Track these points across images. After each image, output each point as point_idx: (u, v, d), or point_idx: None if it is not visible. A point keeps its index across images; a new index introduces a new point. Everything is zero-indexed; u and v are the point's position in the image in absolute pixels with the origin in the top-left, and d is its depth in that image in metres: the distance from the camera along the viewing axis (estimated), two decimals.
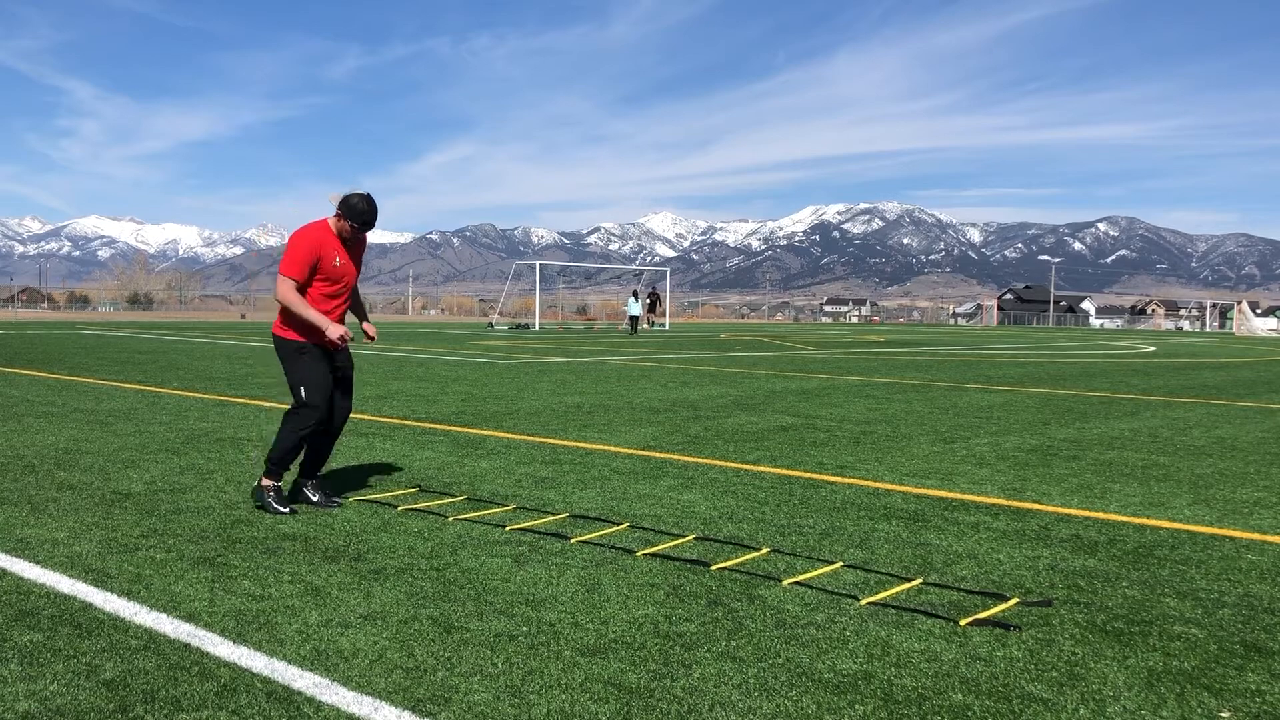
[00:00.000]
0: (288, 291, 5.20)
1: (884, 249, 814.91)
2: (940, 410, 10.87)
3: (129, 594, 3.80)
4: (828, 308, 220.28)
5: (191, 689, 2.93)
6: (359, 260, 5.51)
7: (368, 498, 5.62)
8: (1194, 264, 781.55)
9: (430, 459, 7.01)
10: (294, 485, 5.50)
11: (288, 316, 5.31)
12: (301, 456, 5.42)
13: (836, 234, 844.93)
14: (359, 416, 9.36)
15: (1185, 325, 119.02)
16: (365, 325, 5.75)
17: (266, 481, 5.25)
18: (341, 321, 5.47)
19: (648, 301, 51.29)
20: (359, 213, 5.22)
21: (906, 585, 4.08)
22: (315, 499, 5.39)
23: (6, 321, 47.23)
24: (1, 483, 5.92)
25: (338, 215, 5.25)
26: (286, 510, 5.17)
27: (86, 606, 3.65)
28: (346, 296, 5.45)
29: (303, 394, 5.26)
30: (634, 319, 42.80)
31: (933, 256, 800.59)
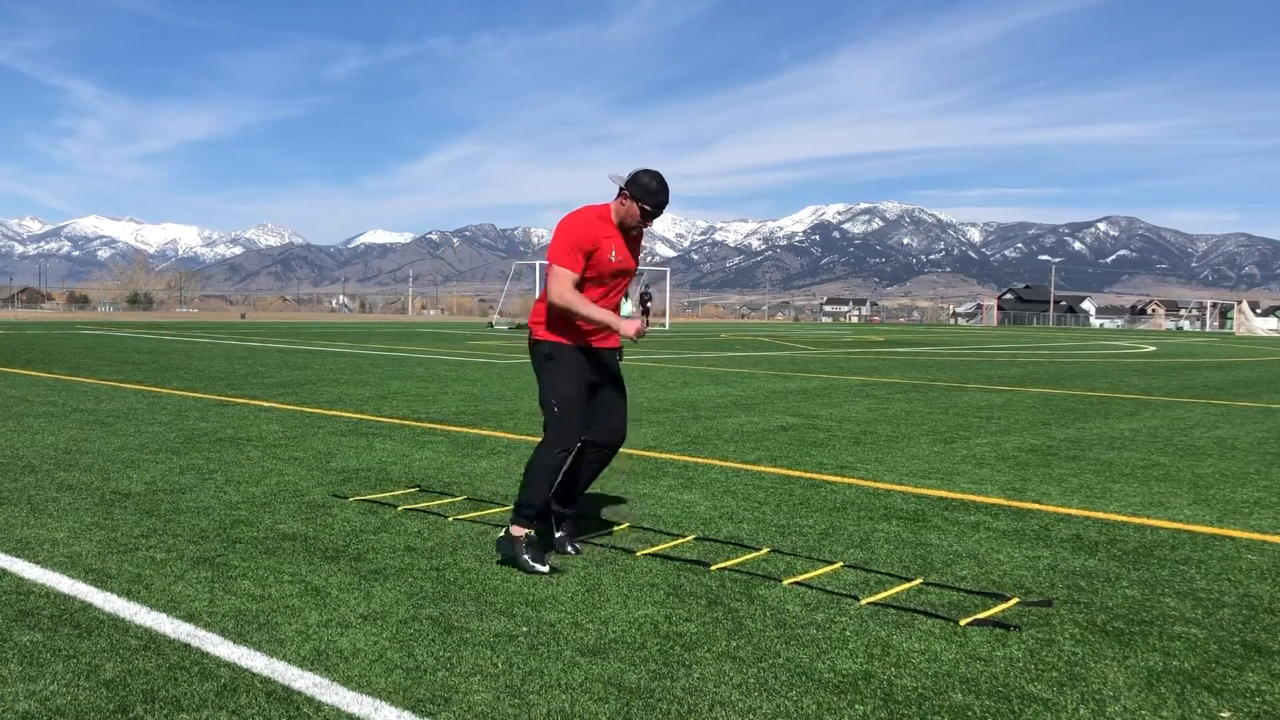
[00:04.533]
0: (564, 288, 4.22)
1: (884, 249, 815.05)
2: (940, 410, 10.87)
3: (129, 594, 3.80)
4: (828, 308, 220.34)
5: (191, 689, 2.93)
6: (637, 255, 4.58)
7: (368, 498, 5.62)
8: (1194, 264, 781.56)
9: (430, 459, 7.01)
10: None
11: (551, 314, 4.39)
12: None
13: (836, 234, 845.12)
14: (359, 416, 9.36)
15: (1185, 325, 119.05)
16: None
17: (518, 530, 4.27)
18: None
19: (644, 304, 51.29)
20: (651, 193, 4.30)
21: (906, 585, 4.08)
22: (561, 537, 4.55)
23: (6, 321, 47.24)
24: (1, 483, 5.92)
25: (622, 197, 4.36)
26: (545, 569, 4.15)
27: (86, 606, 3.65)
28: (620, 299, 4.55)
29: (555, 410, 4.31)
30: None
31: (933, 256, 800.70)
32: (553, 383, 4.32)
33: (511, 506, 4.76)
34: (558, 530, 4.55)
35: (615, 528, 5.00)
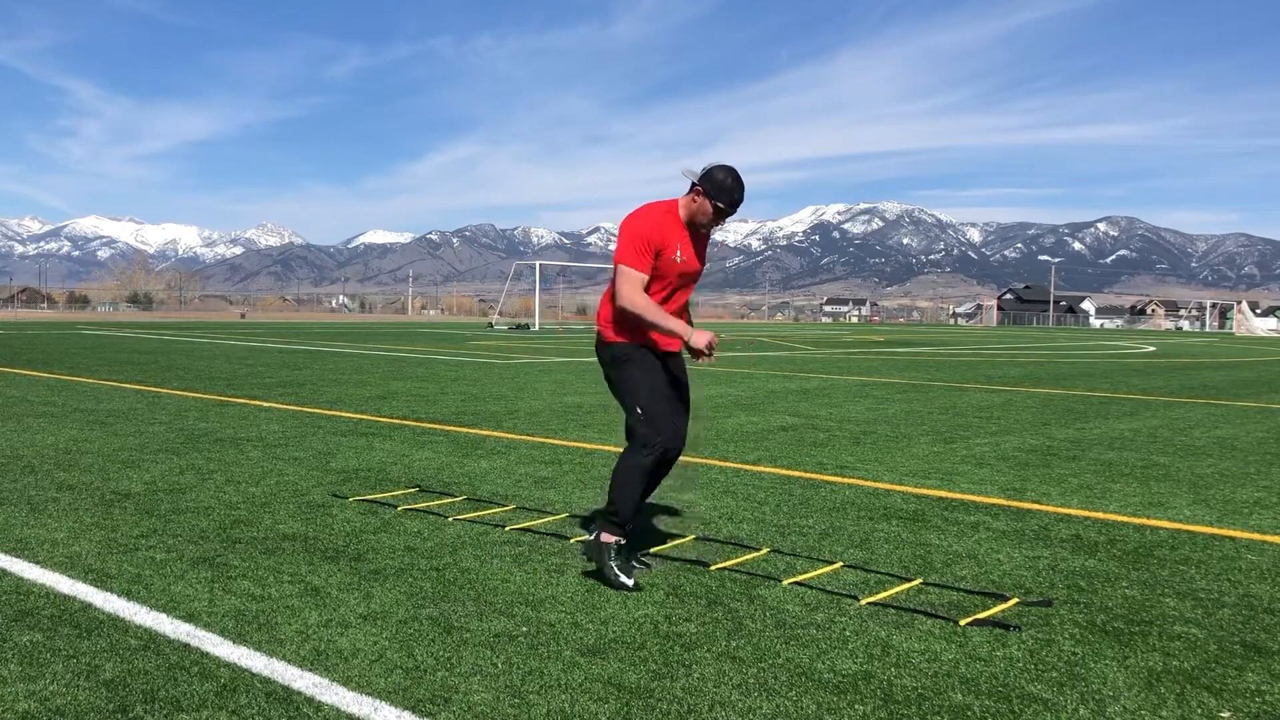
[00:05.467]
0: (634, 291, 4.01)
1: (884, 249, 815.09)
2: (940, 410, 10.87)
3: (129, 594, 3.79)
4: (827, 308, 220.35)
5: (191, 689, 2.93)
6: (704, 255, 4.33)
7: (368, 498, 5.62)
8: (1194, 264, 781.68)
9: (430, 459, 7.01)
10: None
11: (619, 315, 4.16)
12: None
13: (836, 234, 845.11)
14: (359, 416, 9.36)
15: (1185, 325, 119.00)
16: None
17: (608, 537, 4.05)
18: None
19: None
20: (726, 189, 4.06)
21: (906, 585, 4.08)
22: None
23: (6, 321, 47.21)
24: (1, 483, 5.92)
25: (693, 194, 4.12)
26: (630, 582, 3.95)
27: (86, 606, 3.65)
28: (685, 301, 4.32)
29: (639, 410, 4.08)
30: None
31: (933, 256, 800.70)
32: (632, 383, 4.11)
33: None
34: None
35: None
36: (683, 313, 4.30)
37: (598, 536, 4.07)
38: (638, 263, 4.02)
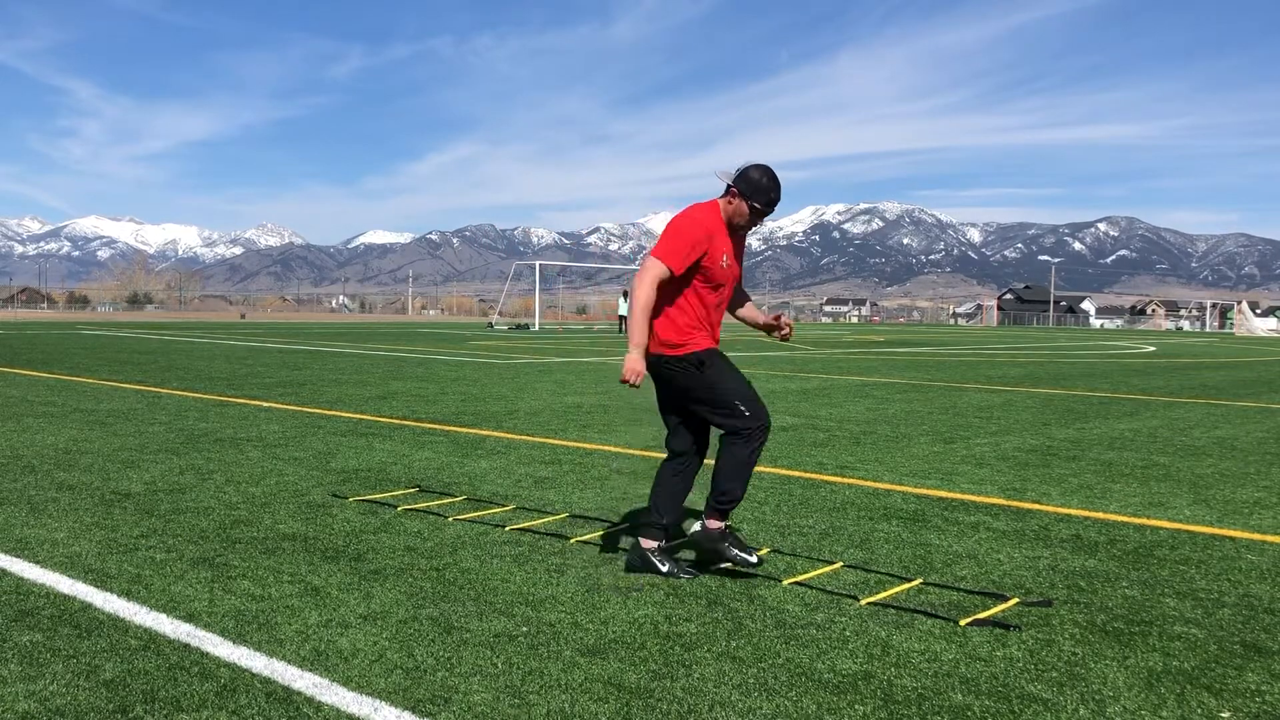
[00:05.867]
0: (649, 285, 3.98)
1: (884, 249, 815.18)
2: (940, 410, 10.87)
3: (129, 594, 3.79)
4: (827, 308, 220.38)
5: (191, 689, 2.93)
6: (742, 256, 4.31)
7: (368, 498, 5.62)
8: (1194, 264, 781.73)
9: (430, 459, 7.01)
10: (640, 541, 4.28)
11: (669, 322, 4.12)
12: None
13: (836, 234, 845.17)
14: (359, 416, 9.37)
15: (1185, 325, 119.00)
16: (772, 318, 4.53)
17: (649, 542, 4.16)
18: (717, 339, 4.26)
19: None
20: (762, 189, 4.02)
21: (906, 585, 4.08)
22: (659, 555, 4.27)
23: (6, 321, 47.22)
24: (1, 483, 5.92)
25: (729, 196, 4.07)
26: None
27: (86, 606, 3.65)
28: (725, 308, 4.31)
29: (742, 407, 4.09)
30: (623, 318, 43.29)
31: (933, 256, 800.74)
32: (722, 384, 4.10)
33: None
34: (663, 564, 4.22)
35: (615, 528, 4.99)
36: (740, 302, 4.40)
37: (709, 528, 4.14)
38: (672, 259, 3.95)
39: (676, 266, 3.97)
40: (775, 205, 4.08)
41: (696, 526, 4.26)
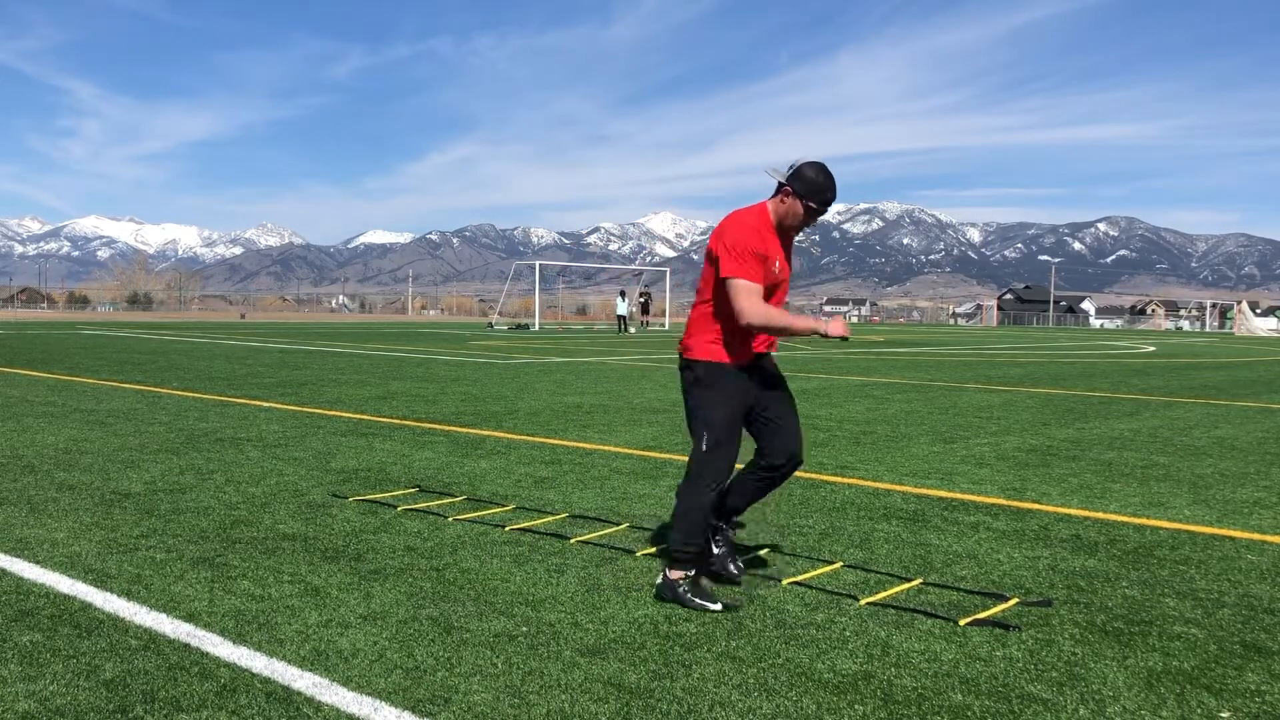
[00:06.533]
0: (758, 303, 3.74)
1: (884, 249, 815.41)
2: (940, 410, 10.87)
3: (129, 594, 3.79)
4: (827, 308, 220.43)
5: (191, 689, 2.93)
6: (790, 257, 4.09)
7: (368, 498, 5.62)
8: (1194, 264, 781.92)
9: (430, 459, 7.01)
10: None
11: (703, 324, 3.92)
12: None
13: (836, 234, 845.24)
14: (359, 416, 9.37)
15: (1185, 325, 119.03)
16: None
17: (674, 574, 3.85)
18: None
19: (640, 302, 51.46)
20: (818, 189, 3.80)
21: (906, 585, 4.08)
22: (720, 554, 4.08)
23: (6, 321, 47.23)
24: (1, 483, 5.92)
25: (782, 195, 3.85)
26: (717, 606, 3.74)
27: (86, 606, 3.65)
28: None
29: (706, 438, 3.83)
30: (621, 318, 43.42)
31: (933, 256, 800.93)
32: (708, 410, 3.84)
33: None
34: (715, 548, 4.07)
35: (615, 527, 4.99)
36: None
37: (664, 576, 3.87)
38: (753, 273, 3.75)
39: (757, 277, 3.76)
40: (830, 206, 3.87)
41: (660, 577, 3.96)
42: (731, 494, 4.07)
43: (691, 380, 3.90)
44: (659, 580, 3.90)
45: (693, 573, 3.89)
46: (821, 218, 3.94)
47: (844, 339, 3.81)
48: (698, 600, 3.76)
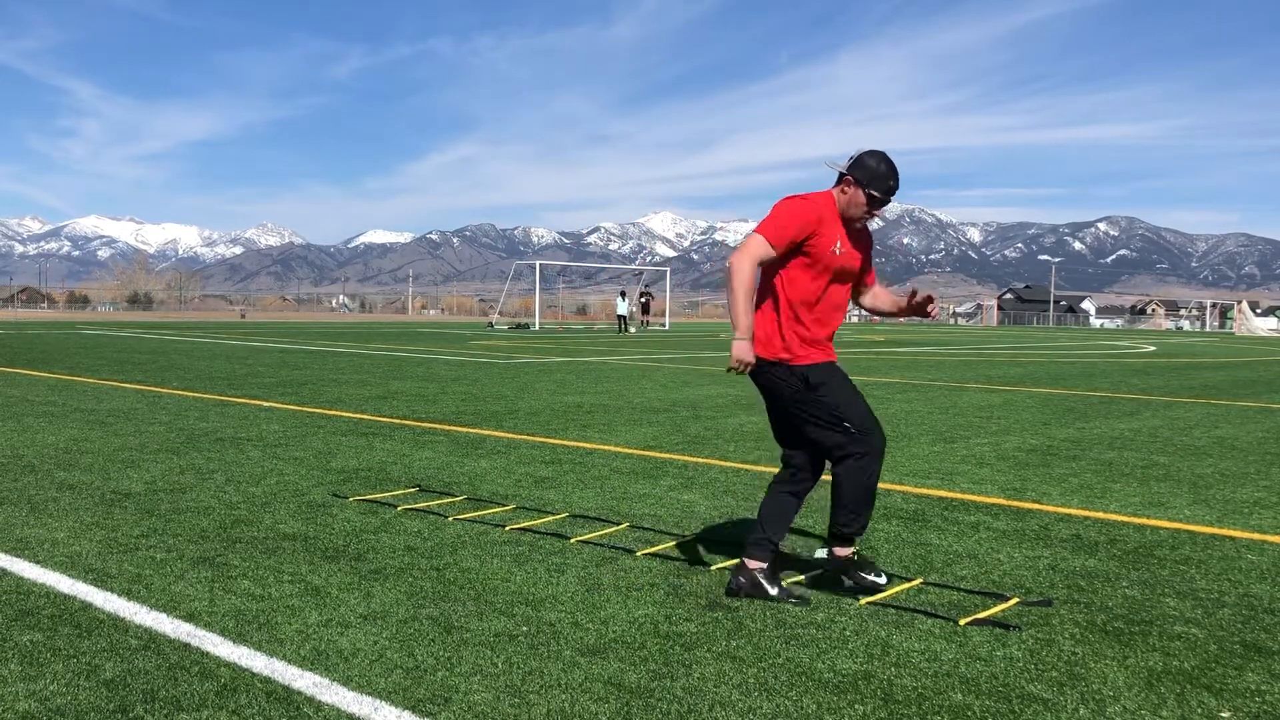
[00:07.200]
0: (748, 260, 3.70)
1: (884, 249, 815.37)
2: (940, 410, 10.87)
3: (129, 594, 3.79)
4: None
5: (191, 689, 2.93)
6: (868, 255, 4.02)
7: (368, 498, 5.62)
8: (1194, 264, 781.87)
9: (430, 459, 7.01)
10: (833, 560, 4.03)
11: (772, 320, 3.85)
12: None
13: None
14: (359, 416, 9.37)
15: (1185, 325, 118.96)
16: (921, 297, 4.09)
17: (754, 563, 3.87)
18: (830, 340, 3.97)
19: (641, 301, 51.48)
20: (879, 177, 3.75)
21: (906, 585, 4.08)
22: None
23: (6, 321, 47.23)
24: (1, 483, 5.92)
25: (843, 185, 3.81)
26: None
27: (86, 606, 3.65)
28: (846, 306, 3.98)
29: (850, 425, 3.80)
30: (621, 318, 43.41)
31: (933, 256, 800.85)
32: (834, 400, 3.80)
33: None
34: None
35: (615, 527, 5.00)
36: (840, 310, 3.96)
37: (742, 566, 3.89)
38: (773, 235, 3.69)
39: (777, 240, 3.69)
40: (893, 195, 3.78)
41: (821, 552, 3.98)
42: (768, 511, 4.02)
43: (804, 383, 3.81)
44: (823, 553, 3.90)
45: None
46: (885, 208, 3.88)
47: (732, 367, 3.80)
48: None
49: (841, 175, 3.81)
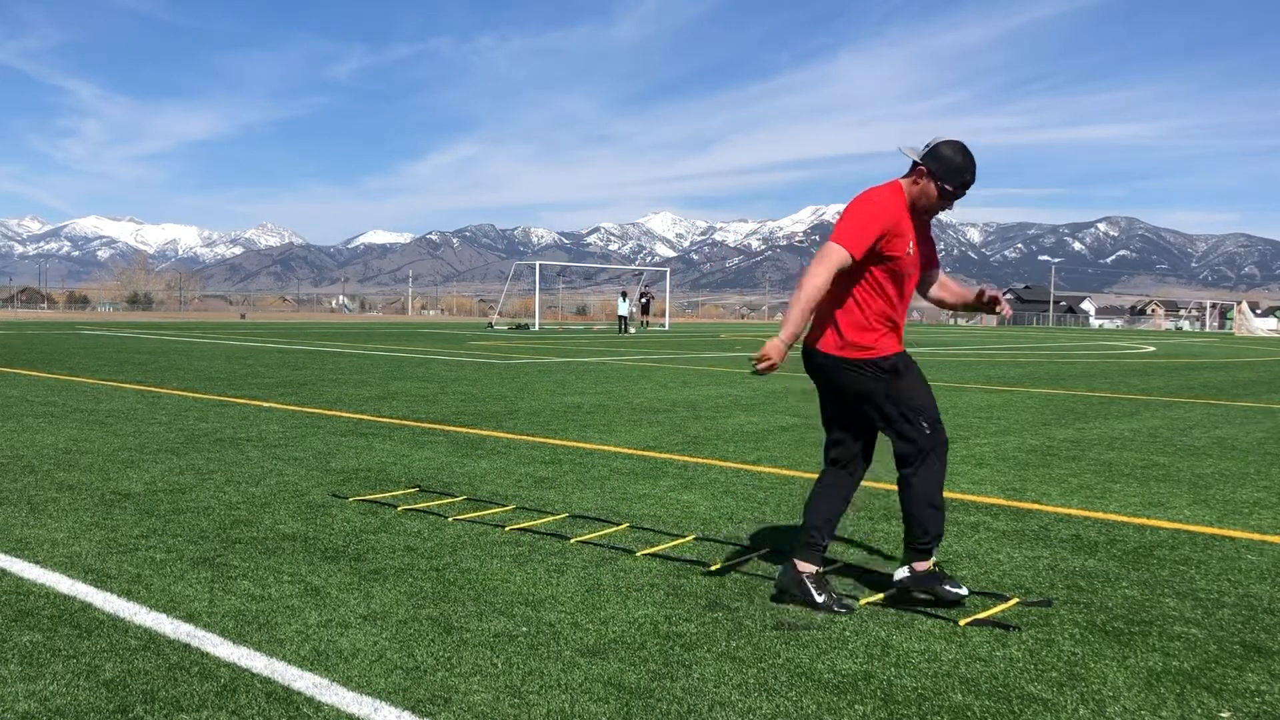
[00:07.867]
0: (823, 271, 3.50)
1: None
2: (940, 410, 10.86)
3: (129, 594, 3.79)
4: None
5: (191, 689, 2.93)
6: (933, 246, 3.85)
7: (368, 498, 5.62)
8: (1194, 264, 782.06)
9: (430, 459, 7.01)
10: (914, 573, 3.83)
11: (851, 317, 3.69)
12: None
13: None
14: (359, 416, 9.37)
15: (1185, 325, 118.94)
16: (992, 293, 4.00)
17: (806, 567, 3.74)
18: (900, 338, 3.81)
19: (641, 302, 51.51)
20: (956, 170, 3.54)
21: None
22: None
23: (6, 321, 47.23)
24: (1, 483, 5.92)
25: (915, 176, 3.62)
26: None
27: (86, 606, 3.65)
28: (909, 302, 3.81)
29: (924, 424, 3.72)
30: (622, 318, 43.43)
31: None
32: (912, 397, 3.71)
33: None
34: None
35: (615, 527, 4.99)
36: (908, 301, 3.82)
37: (913, 570, 3.75)
38: (852, 243, 3.50)
39: (857, 250, 3.51)
40: (968, 189, 3.59)
41: (903, 573, 3.81)
42: (816, 513, 3.90)
43: (884, 374, 3.70)
44: (904, 575, 3.77)
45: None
46: (958, 201, 3.69)
47: (752, 359, 3.61)
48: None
49: (915, 165, 3.63)
